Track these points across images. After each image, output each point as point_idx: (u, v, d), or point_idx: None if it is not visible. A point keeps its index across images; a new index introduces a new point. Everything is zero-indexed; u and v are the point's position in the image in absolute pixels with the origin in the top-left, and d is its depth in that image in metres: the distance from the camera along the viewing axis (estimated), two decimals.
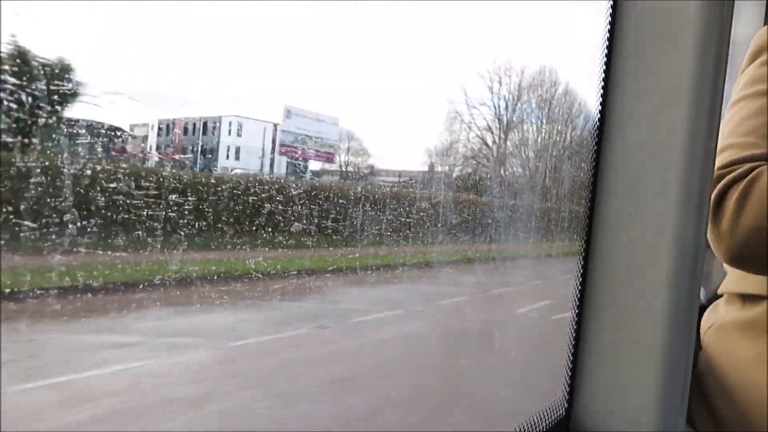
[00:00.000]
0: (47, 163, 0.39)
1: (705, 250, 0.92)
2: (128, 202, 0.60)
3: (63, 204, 0.46)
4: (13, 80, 0.34)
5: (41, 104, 0.43)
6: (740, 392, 1.19)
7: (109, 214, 0.59)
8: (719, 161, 1.04)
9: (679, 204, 0.85)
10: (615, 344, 0.89)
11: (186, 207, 0.65)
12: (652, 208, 0.86)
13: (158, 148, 1.04)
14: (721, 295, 1.37)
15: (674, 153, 0.85)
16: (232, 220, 0.79)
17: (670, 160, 0.85)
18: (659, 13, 0.87)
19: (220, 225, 0.75)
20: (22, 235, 0.45)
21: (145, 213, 0.61)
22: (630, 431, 0.88)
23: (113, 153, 0.72)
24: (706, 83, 0.85)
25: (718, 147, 1.00)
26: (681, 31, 0.85)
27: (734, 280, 1.33)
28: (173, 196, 0.57)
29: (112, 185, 0.58)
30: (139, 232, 0.62)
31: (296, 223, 0.91)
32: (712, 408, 1.24)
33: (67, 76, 0.47)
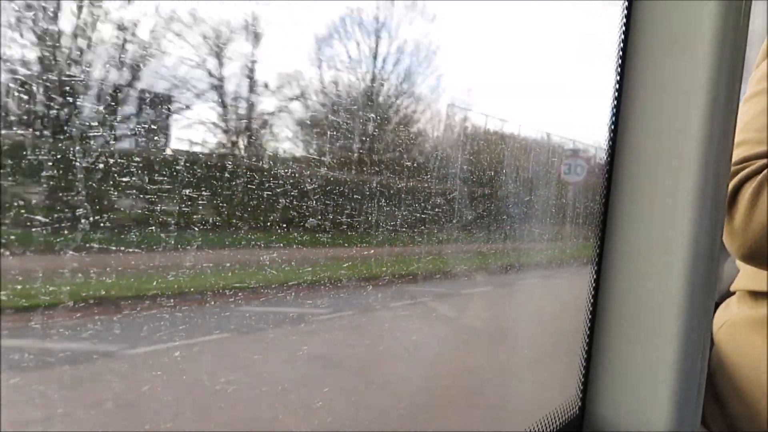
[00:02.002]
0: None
1: (721, 249, 0.91)
2: None
3: None
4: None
5: None
6: (753, 391, 1.18)
7: None
8: (733, 157, 1.03)
9: (694, 202, 0.84)
10: (629, 343, 0.89)
11: None
12: (667, 207, 0.86)
13: None
14: (734, 293, 1.36)
15: (690, 152, 0.84)
16: None
17: (685, 159, 0.85)
18: (675, 12, 0.87)
19: None
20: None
21: None
22: (644, 431, 0.88)
23: None
24: (722, 82, 0.85)
25: None
26: (697, 30, 0.85)
27: (747, 277, 1.32)
28: None
29: None
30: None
31: None
32: (725, 406, 1.23)
33: None
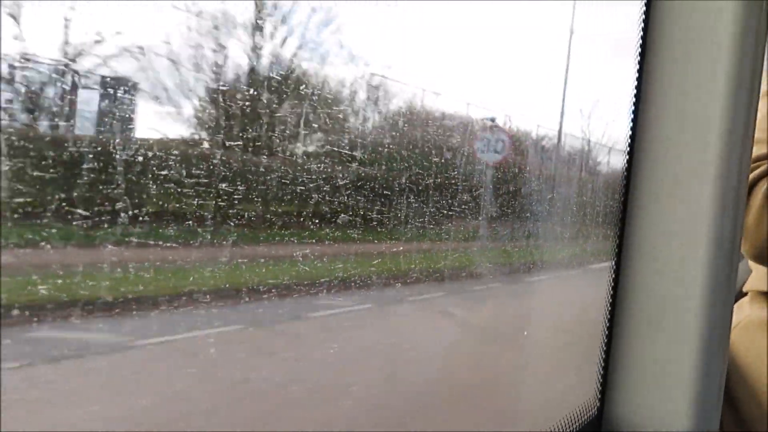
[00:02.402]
0: None
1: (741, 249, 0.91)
2: None
3: None
4: None
5: None
6: (766, 392, 1.18)
7: None
8: None
9: (715, 201, 0.84)
10: (648, 343, 0.89)
11: None
12: (687, 206, 0.86)
13: None
14: (746, 294, 1.36)
15: (710, 150, 0.84)
16: None
17: (706, 158, 0.84)
18: (694, 11, 0.86)
19: None
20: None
21: None
22: (664, 431, 0.87)
23: None
24: (743, 80, 0.85)
25: None
26: (717, 30, 0.85)
27: (759, 277, 1.32)
28: None
29: None
30: None
31: None
32: (738, 408, 1.23)
33: None
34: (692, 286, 0.85)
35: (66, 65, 0.35)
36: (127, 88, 0.38)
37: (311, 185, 0.48)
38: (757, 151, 1.19)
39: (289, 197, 0.46)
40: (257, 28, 0.44)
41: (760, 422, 1.18)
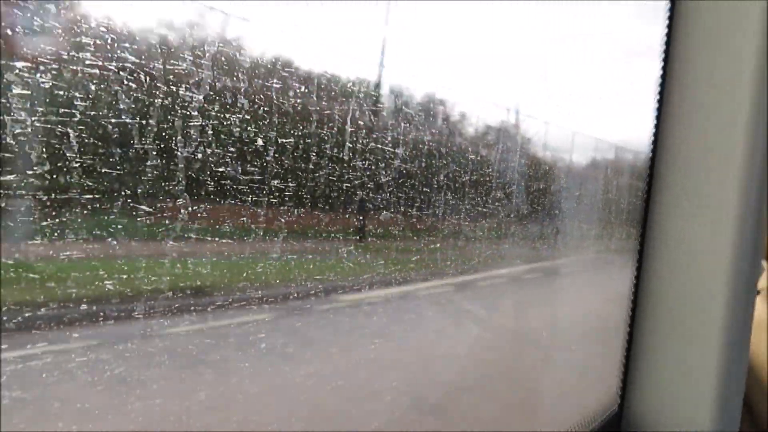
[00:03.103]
0: None
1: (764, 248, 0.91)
2: None
3: None
4: None
5: None
6: None
7: None
8: None
9: (739, 200, 0.84)
10: (670, 341, 0.89)
11: None
12: (711, 205, 0.86)
13: None
14: (759, 292, 1.36)
15: (734, 149, 0.84)
16: None
17: (729, 157, 0.84)
18: (718, 12, 0.86)
19: None
20: None
21: None
22: (684, 431, 0.87)
23: None
24: (767, 79, 0.85)
25: None
26: (740, 30, 0.85)
27: None
28: None
29: None
30: None
31: None
32: (752, 408, 1.23)
33: None
34: (714, 287, 0.85)
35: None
36: None
37: None
38: None
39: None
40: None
41: None
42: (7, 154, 0.29)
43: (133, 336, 0.36)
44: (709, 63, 0.87)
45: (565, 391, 0.89)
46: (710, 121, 0.86)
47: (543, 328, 0.88)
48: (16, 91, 0.30)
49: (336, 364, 0.52)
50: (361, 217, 0.50)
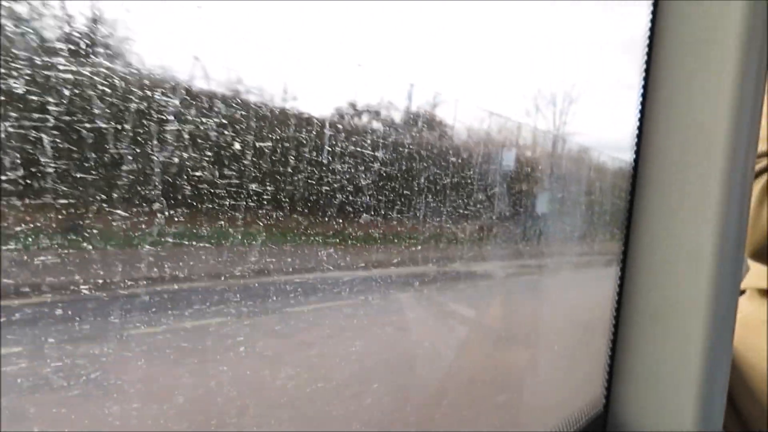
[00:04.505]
0: None
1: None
2: None
3: None
4: None
5: None
6: (766, 391, 1.19)
7: None
8: None
9: (720, 201, 0.84)
10: (654, 343, 0.89)
11: None
12: (693, 207, 0.86)
13: None
14: (743, 291, 1.37)
15: (716, 151, 0.85)
16: None
17: (711, 159, 0.85)
18: (699, 12, 0.87)
19: None
20: None
21: None
22: (668, 431, 0.88)
23: None
24: (748, 81, 0.85)
25: None
26: (722, 31, 0.85)
27: (757, 275, 1.33)
28: None
29: None
30: None
31: None
32: (739, 407, 1.24)
33: None
34: (697, 286, 0.86)
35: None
36: None
37: None
38: (759, 146, 1.20)
39: None
40: None
41: (760, 421, 1.20)
42: None
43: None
44: (692, 63, 0.88)
45: (549, 392, 0.90)
46: (693, 121, 0.87)
47: (526, 328, 0.89)
48: None
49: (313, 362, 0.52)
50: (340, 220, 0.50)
